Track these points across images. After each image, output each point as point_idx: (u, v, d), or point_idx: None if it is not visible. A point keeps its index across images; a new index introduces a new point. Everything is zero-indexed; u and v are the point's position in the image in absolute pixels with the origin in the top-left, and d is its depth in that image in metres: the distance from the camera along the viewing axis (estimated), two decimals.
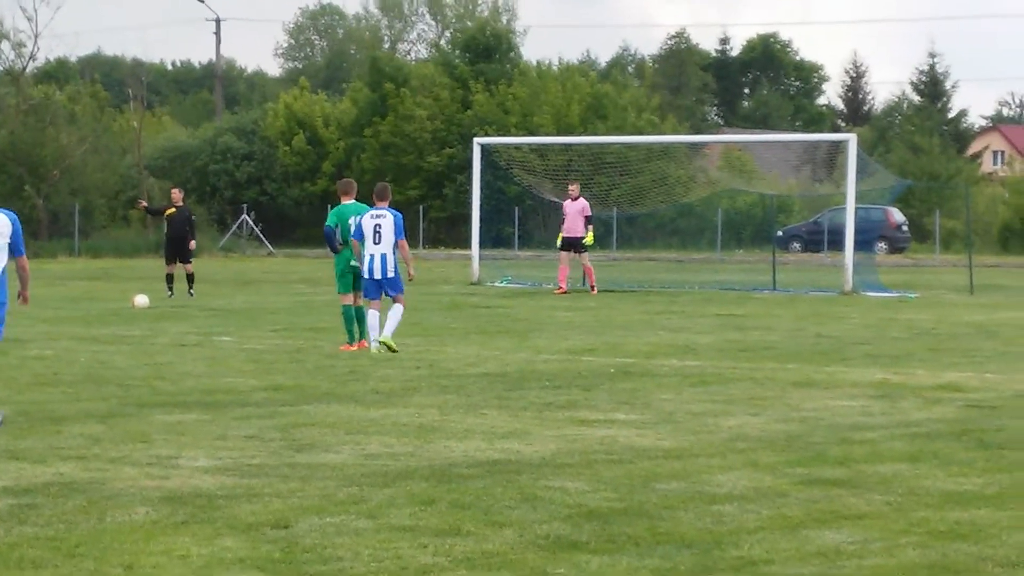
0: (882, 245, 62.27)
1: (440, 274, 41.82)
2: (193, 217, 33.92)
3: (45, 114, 66.06)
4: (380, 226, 20.17)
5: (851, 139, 38.42)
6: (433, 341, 21.12)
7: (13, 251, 12.98)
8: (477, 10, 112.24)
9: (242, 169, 75.05)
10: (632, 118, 74.60)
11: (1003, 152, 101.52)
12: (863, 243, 42.71)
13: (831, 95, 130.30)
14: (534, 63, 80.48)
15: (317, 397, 15.21)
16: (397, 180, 68.03)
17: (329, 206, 22.74)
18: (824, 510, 9.58)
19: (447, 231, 70.32)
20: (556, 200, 47.67)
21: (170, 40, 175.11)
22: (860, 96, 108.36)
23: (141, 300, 28.81)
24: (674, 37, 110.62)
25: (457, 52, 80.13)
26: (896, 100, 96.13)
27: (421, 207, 68.89)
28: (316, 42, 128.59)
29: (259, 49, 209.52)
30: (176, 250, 32.93)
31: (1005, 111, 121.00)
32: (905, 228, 67.62)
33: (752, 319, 27.18)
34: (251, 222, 68.04)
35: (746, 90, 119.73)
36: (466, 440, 12.34)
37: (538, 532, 8.85)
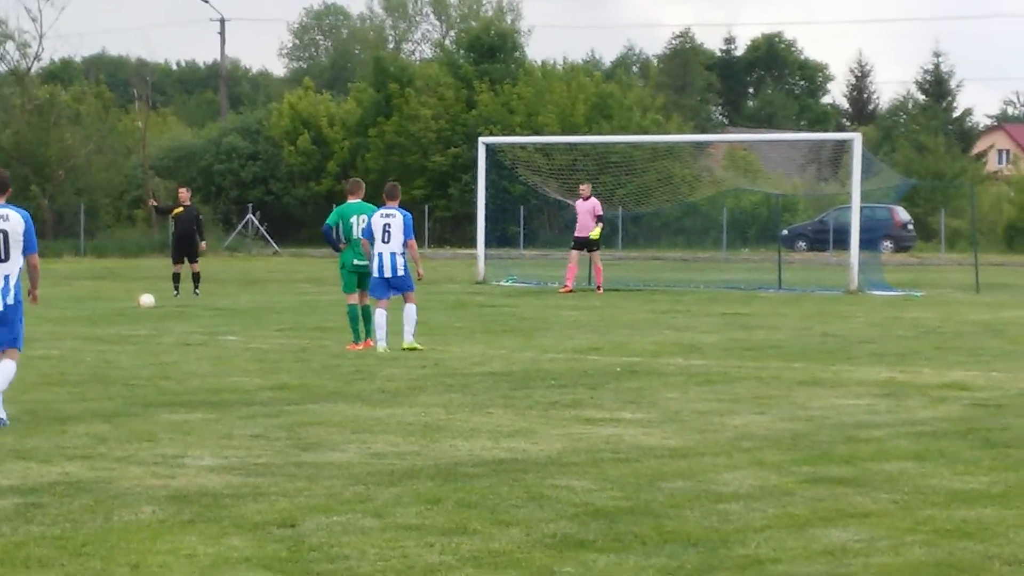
0: (887, 244, 62.24)
1: (445, 273, 41.83)
2: (200, 216, 33.92)
3: (50, 114, 66.08)
4: (390, 225, 20.21)
5: (856, 138, 38.39)
6: (439, 340, 21.12)
7: (25, 249, 13.01)
8: (481, 10, 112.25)
9: (247, 169, 75.08)
10: (637, 118, 74.60)
11: (1008, 151, 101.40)
12: (868, 242, 42.70)
13: (836, 94, 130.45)
14: (539, 63, 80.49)
15: (323, 396, 15.21)
16: (402, 180, 67.59)
17: (334, 205, 22.75)
18: (830, 508, 9.57)
19: (452, 230, 70.35)
20: (561, 199, 47.73)
21: (175, 40, 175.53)
22: (865, 95, 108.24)
23: (146, 300, 28.83)
24: (679, 37, 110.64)
25: (462, 52, 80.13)
26: (901, 99, 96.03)
27: (426, 207, 68.89)
28: (321, 42, 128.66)
29: (264, 49, 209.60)
30: (183, 249, 32.95)
31: (1010, 110, 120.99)
32: (910, 227, 67.57)
33: (757, 318, 27.17)
34: (256, 222, 68.07)
35: (751, 89, 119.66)
36: (472, 439, 12.34)
37: (545, 531, 8.85)
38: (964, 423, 13.47)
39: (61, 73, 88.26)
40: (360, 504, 9.56)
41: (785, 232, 62.63)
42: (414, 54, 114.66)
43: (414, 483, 10.30)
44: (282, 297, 33.18)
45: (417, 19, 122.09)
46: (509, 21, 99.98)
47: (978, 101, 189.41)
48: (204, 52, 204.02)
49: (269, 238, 67.49)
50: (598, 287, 35.54)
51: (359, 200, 21.18)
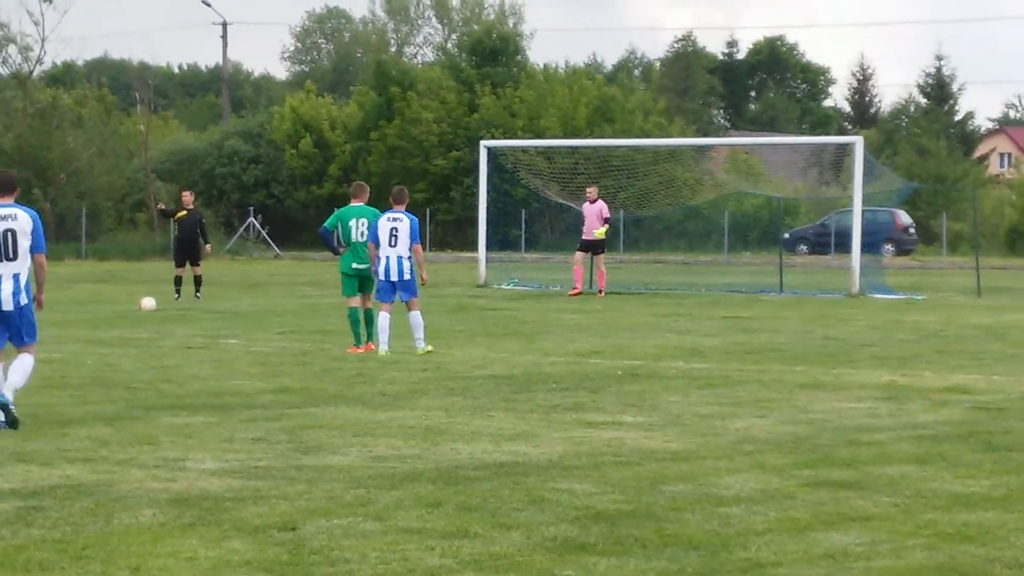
0: (889, 247, 62.23)
1: (447, 277, 41.83)
2: (203, 220, 33.98)
3: (52, 118, 66.09)
4: (396, 229, 20.23)
5: (858, 142, 38.38)
6: (440, 343, 21.11)
7: (33, 248, 13.07)
8: (483, 13, 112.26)
9: (249, 172, 75.09)
10: (639, 121, 74.60)
11: (1010, 154, 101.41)
12: (870, 245, 42.70)
13: (838, 98, 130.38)
14: (541, 66, 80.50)
15: (324, 399, 15.22)
16: (404, 183, 67.82)
17: (335, 208, 22.77)
18: (831, 512, 9.57)
19: (454, 234, 70.34)
20: (563, 203, 47.74)
21: (176, 43, 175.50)
22: (867, 99, 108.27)
23: (148, 303, 28.84)
24: (681, 40, 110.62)
25: (464, 55, 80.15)
26: (903, 103, 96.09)
27: (428, 210, 68.88)
28: (322, 45, 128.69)
29: (266, 52, 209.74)
30: (186, 252, 33.01)
31: (1012, 113, 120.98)
32: (912, 230, 67.55)
33: (759, 321, 27.17)
34: (258, 225, 68.09)
35: (753, 93, 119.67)
36: (473, 442, 12.34)
37: (545, 534, 8.84)
38: (965, 427, 13.47)
39: (63, 76, 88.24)
40: (361, 507, 9.56)
41: (787, 235, 62.62)
42: (416, 57, 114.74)
43: (415, 486, 10.30)
44: (283, 300, 33.20)
45: (419, 22, 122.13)
46: (511, 24, 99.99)
47: (980, 104, 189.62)
48: (206, 55, 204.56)
49: (270, 241, 67.50)
50: (600, 291, 35.55)
51: (361, 203, 21.18)
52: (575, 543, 8.64)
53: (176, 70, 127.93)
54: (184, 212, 33.17)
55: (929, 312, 30.07)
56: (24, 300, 13.02)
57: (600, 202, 35.99)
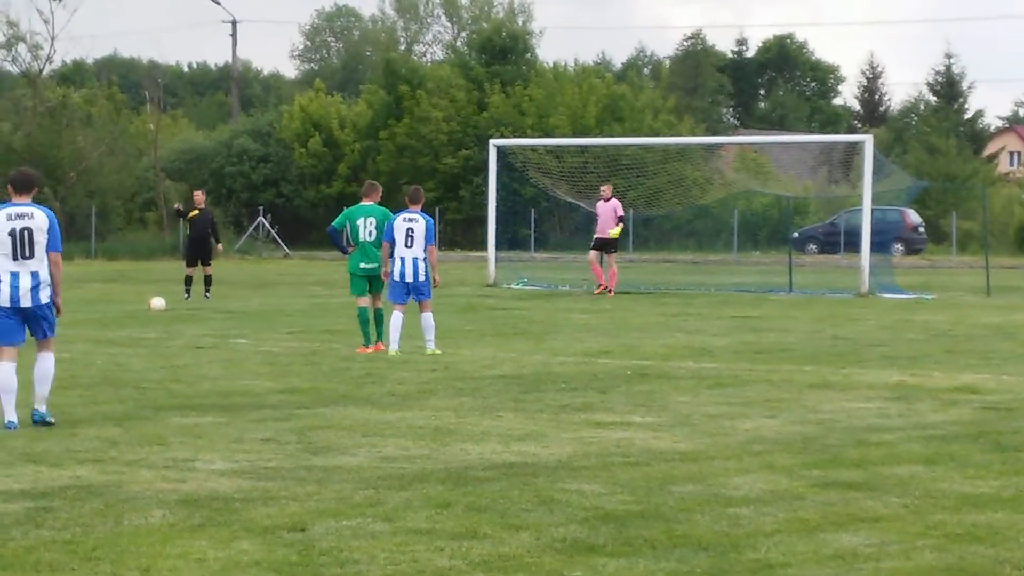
0: (899, 247, 62.17)
1: (456, 276, 41.82)
2: (215, 219, 34.07)
3: (62, 116, 66.16)
4: (412, 230, 20.23)
5: (867, 140, 38.36)
6: (449, 343, 21.12)
7: (48, 246, 13.19)
8: (493, 11, 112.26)
9: (258, 171, 75.13)
10: (649, 120, 74.55)
11: (1019, 153, 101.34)
12: (879, 244, 42.65)
13: (847, 96, 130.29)
14: (550, 65, 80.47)
15: (333, 400, 15.22)
16: (413, 182, 67.90)
17: (344, 207, 22.76)
18: (841, 512, 9.57)
19: (463, 233, 70.34)
20: (572, 202, 47.71)
21: (186, 42, 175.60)
22: (876, 97, 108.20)
23: (157, 303, 28.86)
24: (690, 39, 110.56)
25: (473, 53, 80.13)
26: (912, 101, 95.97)
27: (437, 209, 68.82)
28: (332, 44, 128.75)
29: (275, 51, 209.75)
30: (198, 252, 33.05)
31: (1021, 112, 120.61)
32: (922, 229, 67.49)
33: (768, 321, 27.16)
34: (267, 224, 68.13)
35: (762, 91, 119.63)
36: (482, 443, 12.34)
37: (555, 535, 8.85)
38: (975, 427, 13.46)
39: (73, 75, 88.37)
40: (370, 508, 9.57)
41: (796, 235, 62.59)
42: (425, 56, 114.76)
43: (424, 487, 10.30)
44: (293, 300, 33.22)
45: (428, 20, 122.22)
46: (520, 22, 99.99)
47: (990, 103, 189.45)
48: (215, 54, 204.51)
49: (280, 241, 67.54)
50: (609, 290, 35.52)
51: (371, 203, 21.16)
52: (584, 544, 8.65)
53: (185, 69, 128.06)
54: (196, 211, 33.23)
55: (939, 312, 30.05)
56: (44, 298, 13.17)
57: (614, 200, 35.91)
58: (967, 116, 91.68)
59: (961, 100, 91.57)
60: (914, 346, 22.06)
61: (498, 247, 41.61)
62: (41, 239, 13.12)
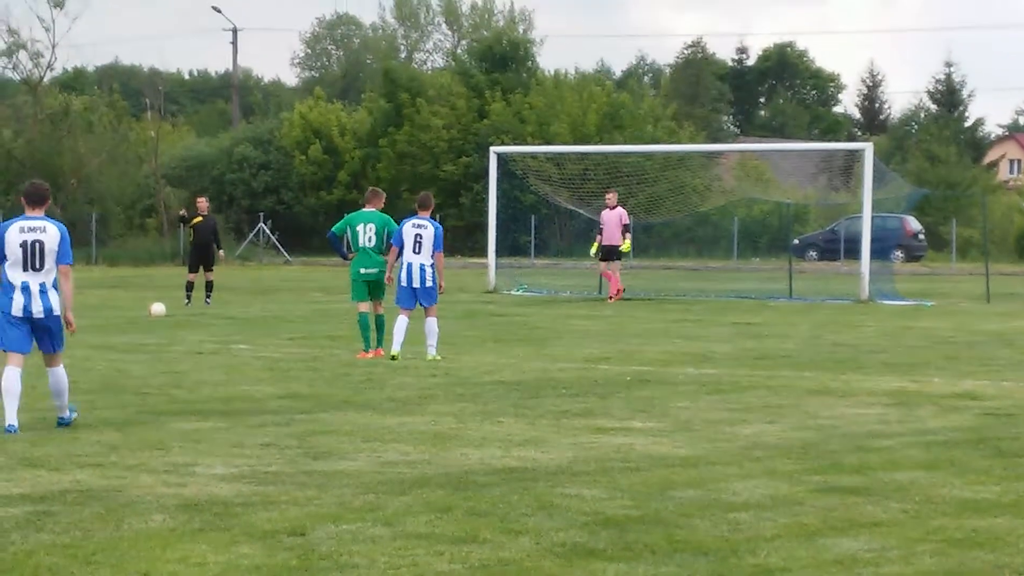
0: (899, 254, 62.20)
1: (456, 283, 41.84)
2: (217, 226, 34.15)
3: (63, 123, 66.24)
4: (421, 236, 20.28)
5: (868, 148, 38.38)
6: (449, 349, 21.12)
7: (58, 259, 13.36)
8: (493, 20, 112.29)
9: (259, 178, 75.21)
10: (651, 129, 74.55)
11: (1019, 161, 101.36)
12: (880, 252, 42.65)
13: (847, 104, 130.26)
14: (551, 72, 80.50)
15: (334, 405, 15.23)
16: (413, 189, 68.07)
17: (345, 214, 22.78)
18: (841, 518, 9.56)
19: (463, 240, 70.39)
20: (573, 209, 47.71)
21: (187, 50, 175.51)
22: (877, 105, 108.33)
23: (158, 308, 28.88)
24: (691, 47, 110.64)
25: (474, 61, 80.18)
26: (913, 109, 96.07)
27: (438, 216, 68.88)
28: (332, 52, 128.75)
29: (276, 59, 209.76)
30: (201, 258, 33.11)
31: (1021, 120, 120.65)
32: (922, 237, 67.53)
33: (768, 327, 27.16)
34: (267, 231, 68.16)
35: (762, 99, 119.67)
36: (482, 448, 12.34)
37: (555, 540, 8.84)
38: (975, 432, 13.46)
39: (74, 83, 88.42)
40: (370, 513, 9.57)
41: (796, 242, 62.61)
42: (426, 64, 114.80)
43: (424, 492, 10.30)
44: (293, 306, 33.22)
45: (429, 28, 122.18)
46: (521, 31, 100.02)
47: (990, 111, 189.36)
48: (216, 62, 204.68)
49: (280, 247, 67.59)
50: (610, 297, 35.53)
51: (373, 209, 21.16)
52: (584, 549, 8.64)
53: (186, 76, 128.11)
54: (200, 218, 33.30)
55: (939, 318, 30.05)
56: (56, 310, 13.36)
57: (620, 208, 35.83)
58: (967, 124, 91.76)
59: (961, 108, 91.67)
60: (914, 352, 22.06)
61: (498, 254, 41.64)
62: (52, 253, 13.32)
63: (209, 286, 32.96)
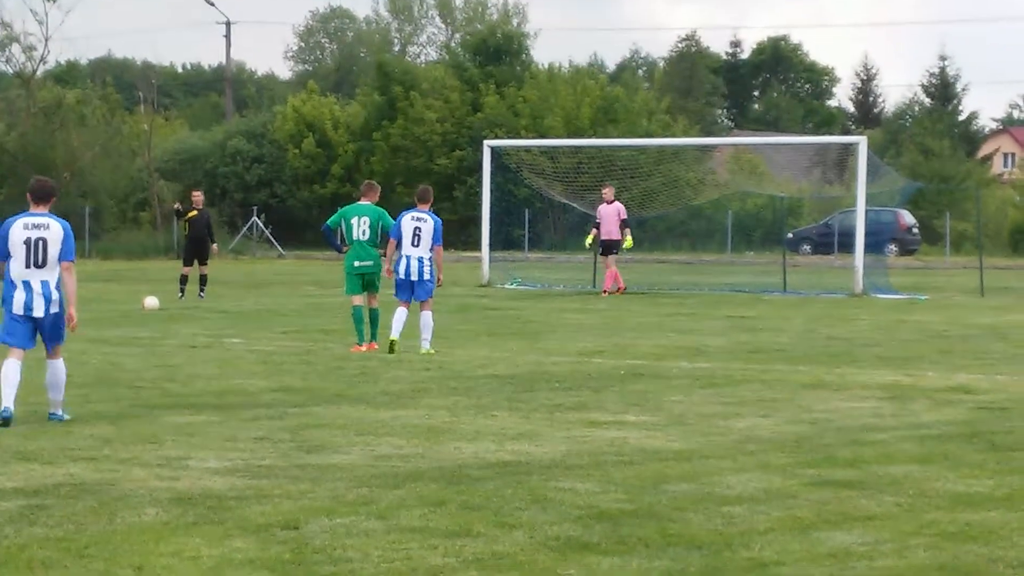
0: (892, 247, 62.24)
1: (450, 276, 41.67)
2: (210, 220, 34.17)
3: (55, 117, 66.15)
4: (420, 229, 20.32)
5: (861, 141, 38.40)
6: (443, 343, 21.11)
7: (60, 256, 13.45)
8: (487, 13, 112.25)
9: (252, 172, 75.12)
10: (645, 123, 74.51)
11: (1013, 154, 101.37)
12: (873, 245, 42.68)
13: (842, 97, 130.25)
14: (544, 66, 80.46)
15: (327, 399, 15.22)
16: (407, 183, 68.09)
17: (339, 208, 22.76)
18: (835, 511, 9.57)
19: (457, 233, 70.30)
20: (567, 202, 47.70)
21: (180, 43, 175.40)
22: (871, 99, 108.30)
23: (151, 302, 28.86)
24: (684, 40, 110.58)
25: (467, 55, 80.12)
26: (907, 102, 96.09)
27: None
28: (326, 45, 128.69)
29: (269, 52, 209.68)
30: (196, 251, 33.13)
31: (1015, 113, 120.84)
32: (916, 230, 67.55)
33: (762, 321, 27.16)
34: (261, 224, 68.11)
35: (756, 92, 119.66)
36: (476, 441, 12.34)
37: (548, 533, 8.84)
38: (969, 426, 13.46)
39: (67, 76, 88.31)
40: (364, 506, 9.56)
41: (790, 235, 62.62)
42: (419, 57, 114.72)
43: (418, 485, 10.30)
44: (287, 300, 33.20)
45: (423, 22, 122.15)
46: (515, 24, 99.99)
47: (984, 104, 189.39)
48: (210, 55, 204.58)
49: (274, 241, 67.53)
50: (604, 291, 35.52)
51: (368, 202, 21.15)
52: (578, 542, 8.64)
53: (179, 69, 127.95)
54: (195, 212, 33.32)
55: (932, 312, 30.07)
56: (55, 308, 13.48)
57: (617, 203, 35.79)
58: (961, 118, 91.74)
59: (955, 102, 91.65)
60: (908, 346, 22.07)
61: (492, 247, 41.60)
62: (55, 250, 13.40)
63: (203, 280, 32.96)
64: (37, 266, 13.34)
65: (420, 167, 71.71)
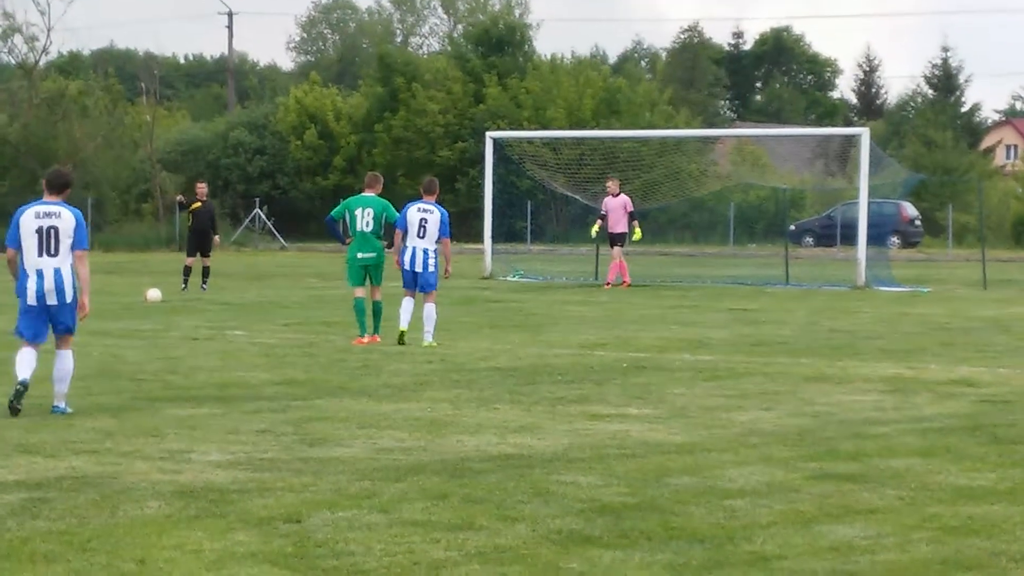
0: (895, 239, 62.18)
1: (453, 268, 41.75)
2: (214, 211, 34.19)
3: (58, 108, 66.14)
4: (426, 220, 20.31)
5: (864, 133, 38.38)
6: (445, 335, 21.11)
7: (73, 245, 13.48)
8: (489, 4, 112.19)
9: (254, 163, 75.14)
10: (647, 115, 74.46)
11: (1016, 146, 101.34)
12: (876, 237, 42.65)
13: (844, 89, 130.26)
14: (547, 57, 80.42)
15: (329, 391, 15.22)
16: (409, 174, 68.13)
17: (341, 199, 22.75)
18: (837, 505, 9.56)
19: (459, 225, 70.12)
20: (569, 194, 47.67)
21: (183, 34, 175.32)
22: (873, 90, 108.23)
23: (153, 294, 28.86)
24: (687, 31, 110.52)
25: (470, 46, 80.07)
26: (909, 94, 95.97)
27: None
28: (328, 36, 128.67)
29: (272, 43, 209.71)
30: (199, 243, 33.12)
31: (1018, 105, 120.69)
32: (918, 222, 67.49)
33: (765, 313, 27.15)
34: (263, 216, 68.10)
35: (759, 84, 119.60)
36: (478, 434, 12.33)
37: (551, 527, 8.84)
38: (971, 419, 13.45)
39: (69, 66, 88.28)
40: (366, 499, 9.56)
41: (792, 227, 62.58)
42: (422, 48, 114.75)
43: (420, 479, 10.29)
44: (289, 292, 33.20)
45: (425, 13, 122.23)
46: (517, 15, 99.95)
47: (986, 96, 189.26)
48: (212, 46, 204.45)
49: (276, 233, 67.53)
50: (607, 283, 35.50)
51: (372, 194, 21.11)
52: (580, 536, 8.64)
53: (182, 60, 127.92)
54: (199, 203, 33.31)
55: (935, 305, 30.05)
56: (68, 297, 13.43)
57: (623, 195, 35.73)
58: (964, 109, 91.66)
59: (958, 93, 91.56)
60: (910, 339, 22.06)
61: (494, 239, 41.59)
62: (67, 238, 13.43)
63: (205, 272, 32.95)
64: (50, 254, 13.36)
65: (422, 159, 71.73)
